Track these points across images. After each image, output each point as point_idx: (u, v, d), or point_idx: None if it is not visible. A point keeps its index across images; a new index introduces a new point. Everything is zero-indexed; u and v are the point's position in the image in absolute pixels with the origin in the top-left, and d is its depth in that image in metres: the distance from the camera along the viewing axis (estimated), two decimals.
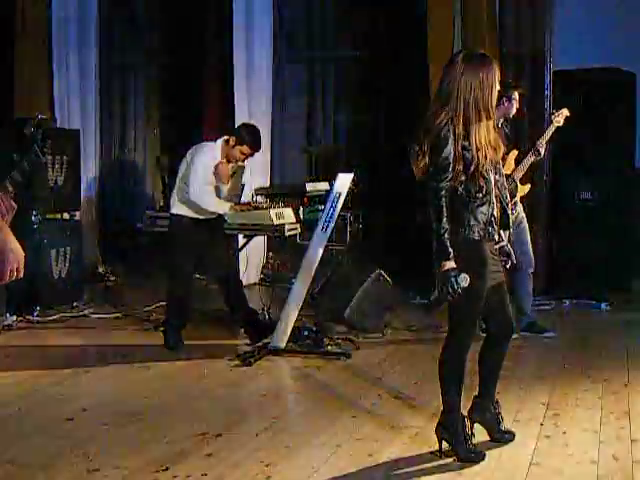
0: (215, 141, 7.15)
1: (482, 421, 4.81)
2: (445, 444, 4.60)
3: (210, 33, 10.85)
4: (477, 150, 4.34)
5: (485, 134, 4.39)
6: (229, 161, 7.08)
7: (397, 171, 7.27)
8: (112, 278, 10.61)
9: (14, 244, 3.14)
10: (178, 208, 7.09)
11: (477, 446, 4.64)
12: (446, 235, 4.28)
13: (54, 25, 11.05)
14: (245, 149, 7.04)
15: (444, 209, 4.29)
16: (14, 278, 3.08)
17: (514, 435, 4.86)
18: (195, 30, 11.05)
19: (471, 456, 4.54)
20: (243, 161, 7.19)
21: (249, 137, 7.12)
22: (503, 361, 4.86)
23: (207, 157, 7.00)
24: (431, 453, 4.66)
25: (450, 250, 4.27)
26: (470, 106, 4.32)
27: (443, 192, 4.30)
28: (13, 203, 3.29)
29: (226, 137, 7.12)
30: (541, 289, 9.06)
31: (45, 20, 11.02)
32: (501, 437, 4.82)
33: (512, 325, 4.83)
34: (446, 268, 4.26)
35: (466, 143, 4.33)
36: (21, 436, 5.05)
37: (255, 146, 7.11)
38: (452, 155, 4.31)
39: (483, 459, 4.54)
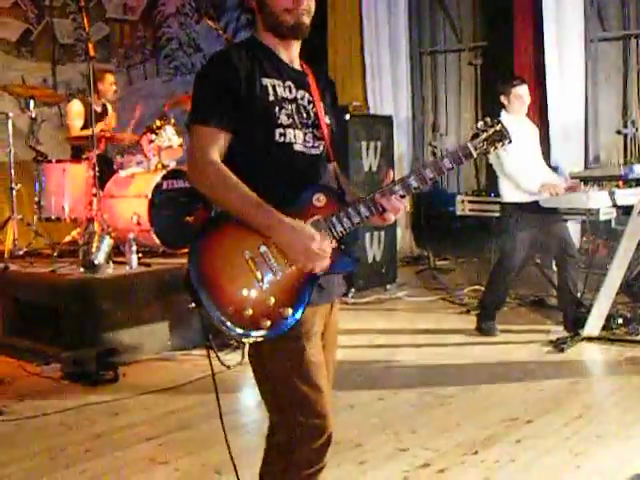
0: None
1: None
2: None
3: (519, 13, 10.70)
4: None
5: None
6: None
7: None
8: (426, 262, 10.72)
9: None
10: (506, 195, 7.03)
11: None
12: None
13: (364, 11, 11.33)
14: (517, 90, 7.02)
15: None
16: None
17: None
18: (504, 11, 10.96)
19: None
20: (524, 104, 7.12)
21: (507, 82, 7.16)
22: None
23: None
24: None
25: None
26: None
27: None
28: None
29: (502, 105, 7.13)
30: None
31: (357, 8, 11.31)
32: None
33: None
34: None
35: None
36: (335, 412, 5.23)
37: (516, 80, 7.16)
38: None
39: None
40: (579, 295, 7.32)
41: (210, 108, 2.86)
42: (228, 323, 2.74)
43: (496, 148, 3.01)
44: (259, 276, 2.77)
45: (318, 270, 2.79)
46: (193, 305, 2.77)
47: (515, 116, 7.00)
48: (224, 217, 2.84)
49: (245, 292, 2.76)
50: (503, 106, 7.08)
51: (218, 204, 2.85)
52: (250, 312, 2.75)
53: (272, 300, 2.77)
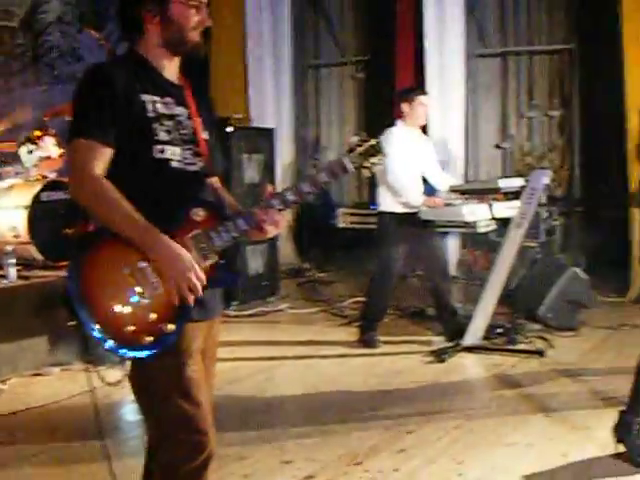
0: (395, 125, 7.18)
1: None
2: (621, 446, 4.42)
3: (402, 28, 10.84)
4: None
5: None
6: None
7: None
8: (307, 274, 10.74)
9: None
10: (384, 204, 7.09)
11: None
12: None
13: (248, 24, 11.30)
14: (420, 99, 7.09)
15: None
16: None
17: None
18: (386, 26, 11.08)
19: None
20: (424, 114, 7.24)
21: (411, 90, 7.32)
22: None
23: (394, 140, 6.97)
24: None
25: None
26: None
27: None
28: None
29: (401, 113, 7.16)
30: None
31: (241, 21, 11.28)
32: None
33: None
34: None
35: None
36: (219, 426, 5.18)
37: (420, 90, 7.32)
38: None
39: None
40: (458, 306, 7.44)
41: (91, 122, 2.82)
42: (109, 340, 2.70)
43: (373, 163, 3.04)
44: (139, 292, 2.74)
45: (190, 298, 2.76)
46: (72, 322, 2.72)
47: (410, 128, 7.08)
48: (104, 232, 2.79)
49: (126, 308, 2.73)
50: (400, 116, 7.13)
51: (99, 219, 2.81)
52: (131, 328, 2.71)
53: (153, 316, 2.74)
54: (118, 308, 2.73)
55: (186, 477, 2.90)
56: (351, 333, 7.49)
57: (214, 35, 11.38)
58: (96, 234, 2.86)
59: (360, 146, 3.02)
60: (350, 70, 12.37)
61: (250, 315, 8.61)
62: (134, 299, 2.74)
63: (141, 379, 2.91)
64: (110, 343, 2.71)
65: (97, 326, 2.70)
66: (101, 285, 2.74)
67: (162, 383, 2.85)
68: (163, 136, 2.90)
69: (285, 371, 6.56)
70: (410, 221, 6.97)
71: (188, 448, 2.90)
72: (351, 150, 3.02)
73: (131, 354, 2.76)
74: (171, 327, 2.76)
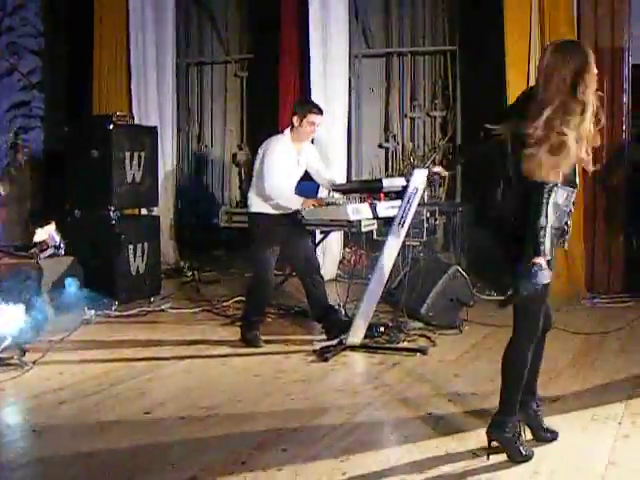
0: (283, 133, 7.18)
1: (524, 419, 4.70)
2: (495, 443, 4.53)
3: (286, 27, 10.85)
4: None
5: (588, 127, 4.22)
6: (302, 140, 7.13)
7: None
8: (189, 273, 10.65)
9: None
10: (256, 205, 7.09)
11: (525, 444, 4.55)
12: (542, 232, 4.15)
13: (131, 22, 11.15)
14: (310, 117, 7.06)
15: (547, 207, 4.15)
16: None
17: (557, 434, 4.76)
18: (270, 25, 11.09)
19: (523, 455, 4.47)
20: (313, 132, 7.19)
21: (305, 105, 7.29)
22: (543, 356, 4.78)
23: (278, 149, 7.00)
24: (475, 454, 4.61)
25: (544, 247, 4.15)
26: (568, 96, 4.15)
27: (552, 189, 4.17)
28: None
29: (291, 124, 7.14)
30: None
31: (123, 18, 11.14)
32: (544, 436, 4.74)
33: (551, 319, 4.75)
34: (538, 263, 4.14)
35: None
36: (100, 430, 5.11)
37: (315, 108, 7.16)
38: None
39: (532, 458, 4.47)
40: (340, 304, 7.49)
41: None
42: None
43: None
44: None
45: None
46: None
47: (294, 141, 7.07)
48: None
49: None
50: (288, 125, 7.14)
51: None
52: None
53: None
54: None
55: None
56: (234, 332, 7.47)
57: (96, 32, 11.23)
58: None
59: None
60: (234, 68, 12.33)
61: (131, 315, 8.49)
62: None
63: None
64: None
65: None
66: None
67: None
68: None
69: (167, 371, 6.49)
70: (281, 221, 6.99)
71: None
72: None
73: None
74: None
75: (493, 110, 8.18)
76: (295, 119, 7.07)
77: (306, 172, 7.34)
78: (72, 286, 8.06)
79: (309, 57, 10.20)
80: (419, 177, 6.88)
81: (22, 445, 4.96)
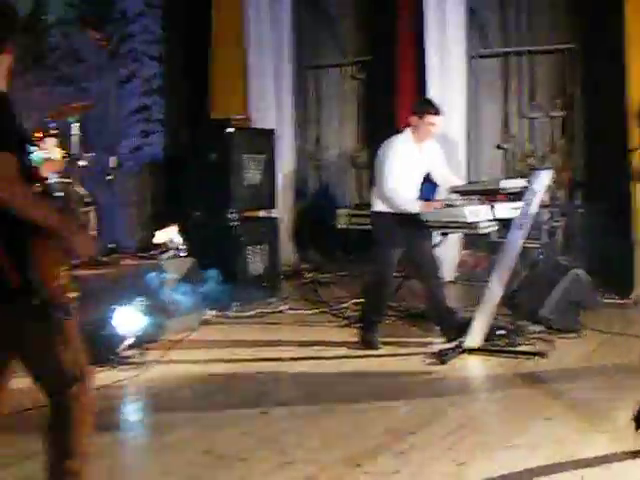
0: (403, 132, 7.13)
1: None
2: None
3: (403, 29, 10.82)
4: None
5: None
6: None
7: None
8: (308, 275, 10.70)
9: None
10: (379, 205, 7.05)
11: None
12: None
13: (248, 26, 11.27)
14: (430, 119, 6.98)
15: None
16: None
17: None
18: (387, 27, 11.06)
19: None
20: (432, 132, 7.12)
21: (424, 105, 7.16)
22: None
23: (399, 148, 6.95)
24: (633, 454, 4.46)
25: None
26: None
27: None
28: None
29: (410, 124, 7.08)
30: None
31: (240, 22, 11.26)
32: None
33: None
34: None
35: None
36: (218, 427, 5.17)
37: (433, 109, 7.05)
38: None
39: None
40: (459, 307, 7.41)
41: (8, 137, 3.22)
42: None
43: None
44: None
45: None
46: None
47: (414, 142, 7.02)
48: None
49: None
50: (408, 126, 7.09)
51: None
52: None
53: None
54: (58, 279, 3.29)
55: None
56: (352, 334, 7.45)
57: (214, 36, 11.37)
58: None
59: None
60: (350, 71, 12.34)
61: (250, 316, 8.56)
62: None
63: None
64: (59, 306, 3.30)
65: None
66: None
67: None
68: None
69: (285, 372, 6.53)
70: (404, 222, 6.93)
71: None
72: None
73: None
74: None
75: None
76: (414, 119, 7.02)
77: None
78: (192, 287, 8.18)
79: (426, 58, 10.13)
80: (541, 178, 6.77)
81: (141, 443, 5.05)
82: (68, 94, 10.79)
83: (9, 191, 3.15)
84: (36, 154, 7.68)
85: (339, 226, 9.09)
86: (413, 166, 7.03)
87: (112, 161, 8.56)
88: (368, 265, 7.61)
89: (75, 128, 8.17)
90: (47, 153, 7.74)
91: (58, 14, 11.27)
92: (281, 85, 11.42)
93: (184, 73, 11.95)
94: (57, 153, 7.83)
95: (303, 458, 4.58)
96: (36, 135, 7.77)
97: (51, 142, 7.79)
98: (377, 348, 7.11)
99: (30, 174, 3.36)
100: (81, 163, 8.10)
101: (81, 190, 8.06)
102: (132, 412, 5.85)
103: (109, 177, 8.82)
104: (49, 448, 3.50)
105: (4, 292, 3.21)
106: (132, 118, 11.53)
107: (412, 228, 6.92)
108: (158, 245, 8.48)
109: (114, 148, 8.76)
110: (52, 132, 7.86)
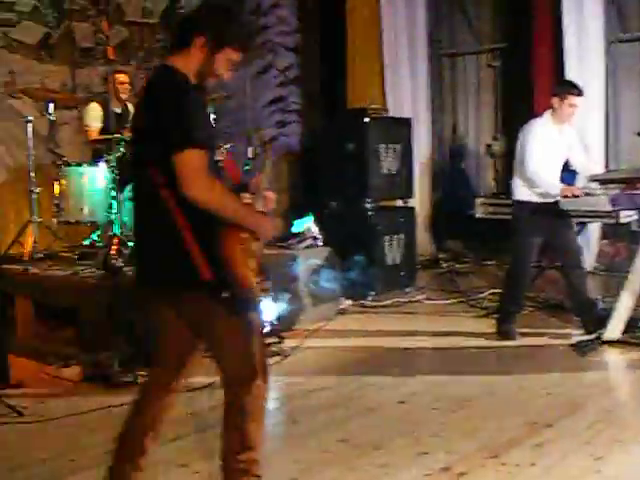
0: (542, 116, 7.04)
1: None
2: None
3: (539, 14, 10.67)
4: None
5: None
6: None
7: None
8: (444, 265, 10.68)
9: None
10: (520, 193, 6.98)
11: None
12: None
13: (383, 15, 11.30)
14: (571, 100, 6.86)
15: None
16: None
17: None
18: (523, 12, 10.93)
19: None
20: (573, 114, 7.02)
21: (565, 86, 7.09)
22: None
23: (539, 131, 6.85)
24: None
25: None
26: None
27: None
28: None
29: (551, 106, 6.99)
30: None
31: (375, 11, 11.29)
32: None
33: None
34: None
35: None
36: (355, 416, 5.24)
37: (575, 89, 6.93)
38: None
39: None
40: (598, 298, 7.28)
41: (198, 132, 3.35)
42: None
43: None
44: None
45: None
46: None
47: (555, 124, 6.94)
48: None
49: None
50: (548, 108, 7.01)
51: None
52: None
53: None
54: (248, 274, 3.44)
55: None
56: (489, 325, 7.43)
57: (348, 27, 11.43)
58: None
59: None
60: (486, 58, 12.22)
61: (386, 305, 8.62)
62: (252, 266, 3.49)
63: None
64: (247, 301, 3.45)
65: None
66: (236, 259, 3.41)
67: None
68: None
69: (422, 362, 6.56)
70: (546, 211, 6.85)
71: None
72: None
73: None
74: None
75: None
76: (555, 101, 6.91)
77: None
78: (329, 276, 8.26)
79: (563, 41, 9.95)
80: None
81: (276, 431, 5.15)
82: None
83: (201, 187, 3.29)
84: None
85: (477, 215, 9.06)
86: (554, 149, 6.93)
87: (250, 151, 8.69)
88: (506, 255, 7.55)
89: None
90: None
91: (194, 8, 11.53)
92: (417, 74, 11.41)
93: (320, 63, 12.06)
94: None
95: (439, 448, 4.61)
96: None
97: None
98: (514, 339, 7.07)
99: (218, 170, 3.52)
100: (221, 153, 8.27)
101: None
102: (267, 400, 5.96)
103: (247, 167, 8.97)
104: (224, 440, 3.63)
105: (195, 282, 3.35)
106: (268, 109, 11.70)
107: (554, 217, 6.84)
108: (296, 234, 8.58)
109: (251, 139, 8.90)
110: None
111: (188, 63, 3.52)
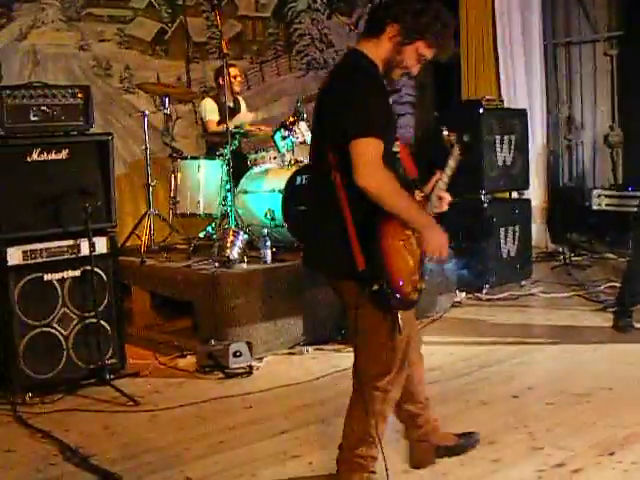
0: None
1: None
2: None
3: None
4: None
5: None
6: None
7: None
8: (561, 257, 10.50)
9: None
10: None
11: None
12: None
13: (497, 5, 11.14)
14: None
15: None
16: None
17: None
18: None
19: None
20: None
21: None
22: None
23: None
24: None
25: None
26: None
27: None
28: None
29: None
30: None
31: (490, 2, 11.16)
32: None
33: None
34: None
35: None
36: (467, 410, 5.20)
37: None
38: None
39: None
40: None
41: (378, 122, 3.36)
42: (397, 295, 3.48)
43: None
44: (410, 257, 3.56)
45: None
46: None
47: None
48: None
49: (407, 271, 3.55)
50: None
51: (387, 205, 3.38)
52: (409, 287, 3.58)
53: (416, 277, 3.58)
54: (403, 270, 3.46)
55: None
56: (606, 319, 7.27)
57: (463, 18, 11.32)
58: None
59: None
60: (603, 47, 11.95)
61: (501, 298, 8.52)
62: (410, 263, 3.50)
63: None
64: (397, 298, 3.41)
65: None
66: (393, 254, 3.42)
67: None
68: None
69: (537, 356, 6.46)
70: None
71: None
72: None
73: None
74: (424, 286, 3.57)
75: None
76: None
77: None
78: (444, 268, 8.20)
79: None
80: None
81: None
82: (318, 79, 11.09)
83: (374, 178, 3.29)
84: (289, 139, 7.95)
85: (594, 207, 8.89)
86: None
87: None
88: (624, 248, 7.38)
89: None
90: (300, 137, 7.97)
91: (307, 1, 11.59)
92: (531, 64, 11.24)
93: None
94: (309, 137, 8.03)
95: (553, 444, 4.54)
96: (289, 120, 8.03)
97: (303, 126, 8.01)
98: (631, 333, 6.91)
99: (394, 162, 3.50)
100: None
101: None
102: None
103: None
104: (344, 432, 3.65)
105: (348, 270, 3.36)
106: None
107: None
108: None
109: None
110: (304, 116, 8.07)
111: (377, 50, 3.51)
